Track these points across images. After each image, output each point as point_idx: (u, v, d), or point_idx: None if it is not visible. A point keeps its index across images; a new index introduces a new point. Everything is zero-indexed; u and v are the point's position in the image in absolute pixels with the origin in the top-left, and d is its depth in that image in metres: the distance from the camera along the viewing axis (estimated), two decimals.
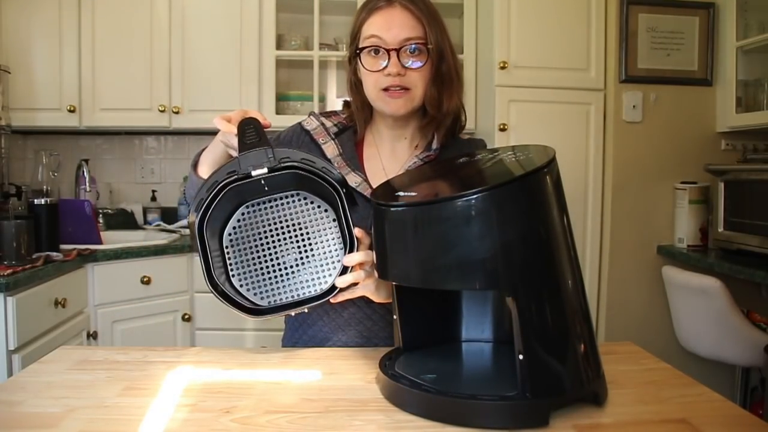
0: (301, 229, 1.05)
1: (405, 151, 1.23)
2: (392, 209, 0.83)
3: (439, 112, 1.17)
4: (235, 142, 1.01)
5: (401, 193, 0.86)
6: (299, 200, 1.05)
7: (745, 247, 2.26)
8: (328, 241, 1.05)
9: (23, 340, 1.78)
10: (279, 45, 2.76)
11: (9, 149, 2.38)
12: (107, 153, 3.02)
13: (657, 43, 2.54)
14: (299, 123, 1.26)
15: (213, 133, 1.11)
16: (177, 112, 2.69)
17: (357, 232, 1.01)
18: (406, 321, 0.97)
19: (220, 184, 0.98)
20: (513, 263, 0.77)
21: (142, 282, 2.32)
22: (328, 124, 1.23)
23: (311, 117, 1.25)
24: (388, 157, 1.23)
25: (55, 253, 2.02)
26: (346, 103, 1.27)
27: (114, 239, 2.46)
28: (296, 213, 1.05)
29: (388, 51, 1.11)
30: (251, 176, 0.99)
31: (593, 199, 2.55)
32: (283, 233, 1.05)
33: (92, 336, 2.20)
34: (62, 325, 2.02)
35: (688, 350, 2.33)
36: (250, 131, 1.01)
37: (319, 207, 1.05)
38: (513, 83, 2.50)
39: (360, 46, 1.14)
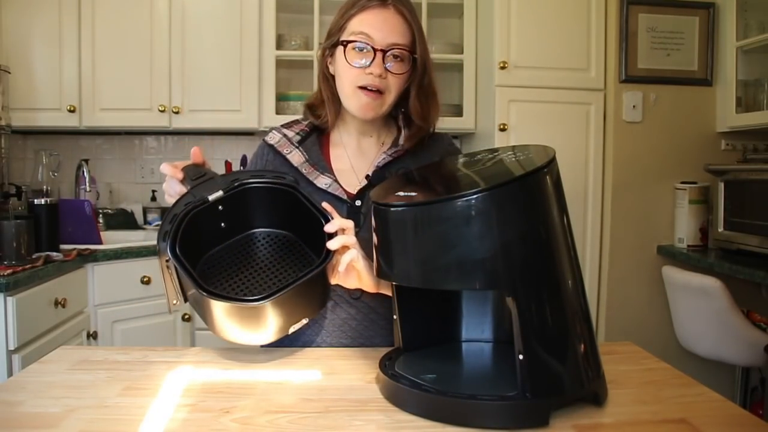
0: (272, 266, 1.05)
1: (372, 148, 1.24)
2: (392, 209, 0.83)
3: (426, 122, 1.20)
4: (178, 188, 1.03)
5: (401, 193, 0.86)
6: (264, 240, 1.08)
7: (745, 247, 2.26)
8: (294, 264, 1.05)
9: (23, 340, 1.78)
10: (279, 45, 2.76)
11: (9, 149, 2.38)
12: (107, 153, 3.02)
13: (657, 43, 2.54)
14: (263, 139, 1.26)
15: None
16: (177, 112, 2.68)
17: (325, 204, 1.01)
18: (406, 321, 0.97)
19: (180, 216, 0.98)
20: (513, 263, 0.77)
21: (142, 282, 2.32)
22: (290, 134, 1.24)
23: (273, 131, 1.25)
24: (356, 154, 1.24)
25: (55, 253, 2.02)
26: (308, 107, 1.26)
27: (114, 239, 2.46)
28: (265, 254, 1.06)
29: (374, 50, 1.11)
30: (208, 201, 1.00)
31: (593, 199, 2.55)
32: (256, 272, 1.05)
33: (92, 336, 2.20)
34: (62, 325, 2.02)
35: (688, 350, 2.33)
36: (195, 170, 1.04)
37: (282, 240, 1.08)
38: (513, 83, 2.50)
39: (347, 38, 1.13)
